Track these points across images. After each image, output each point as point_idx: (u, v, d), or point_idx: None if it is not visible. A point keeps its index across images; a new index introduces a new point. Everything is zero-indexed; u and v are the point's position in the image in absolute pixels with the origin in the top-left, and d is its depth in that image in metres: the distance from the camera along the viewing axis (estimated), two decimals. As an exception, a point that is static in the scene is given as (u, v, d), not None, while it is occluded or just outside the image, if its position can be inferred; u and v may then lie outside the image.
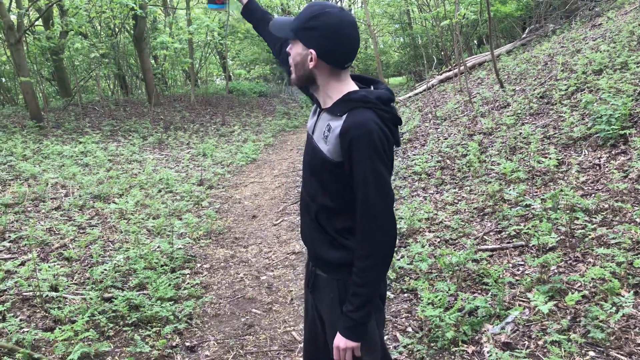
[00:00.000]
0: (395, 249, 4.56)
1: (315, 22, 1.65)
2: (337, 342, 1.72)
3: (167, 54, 17.62)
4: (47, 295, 3.90)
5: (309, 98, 1.97)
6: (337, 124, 1.67)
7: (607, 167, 4.84)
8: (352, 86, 1.74)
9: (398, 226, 4.98)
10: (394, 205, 1.67)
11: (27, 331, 3.41)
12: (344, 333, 1.70)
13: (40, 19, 14.94)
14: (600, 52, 8.02)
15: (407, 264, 4.15)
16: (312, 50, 1.67)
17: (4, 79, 18.03)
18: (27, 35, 14.14)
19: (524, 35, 15.16)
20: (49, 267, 4.28)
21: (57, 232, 5.43)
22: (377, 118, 1.63)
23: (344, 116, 1.65)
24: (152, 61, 18.85)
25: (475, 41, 22.05)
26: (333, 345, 1.75)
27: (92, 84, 20.03)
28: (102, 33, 17.19)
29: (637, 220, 3.83)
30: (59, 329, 3.33)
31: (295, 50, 1.73)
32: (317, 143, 1.74)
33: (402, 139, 9.05)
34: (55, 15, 16.07)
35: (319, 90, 1.78)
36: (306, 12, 1.67)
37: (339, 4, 32.45)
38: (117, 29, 17.19)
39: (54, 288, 4.07)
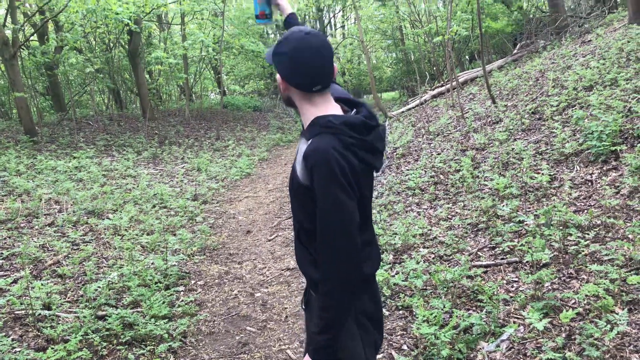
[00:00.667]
0: (385, 266, 4.57)
1: (280, 47, 1.71)
2: None
3: (161, 69, 17.68)
4: (39, 314, 3.87)
5: None
6: (304, 148, 1.70)
7: (599, 183, 4.89)
8: (328, 110, 1.75)
9: (392, 242, 5.00)
10: (356, 231, 1.67)
11: (19, 351, 3.38)
12: (311, 354, 1.70)
13: (35, 34, 14.97)
14: (590, 68, 8.13)
15: (402, 281, 4.15)
16: (277, 75, 1.75)
17: (-3, 94, 18.00)
18: (21, 50, 14.17)
19: (515, 51, 15.33)
20: (42, 284, 4.25)
21: (50, 249, 5.40)
22: (338, 144, 1.63)
23: (310, 141, 1.68)
24: (147, 76, 18.89)
25: (467, 57, 22.28)
26: None
27: (87, 98, 20.04)
28: (96, 48, 17.25)
29: (630, 236, 3.86)
30: (52, 348, 3.31)
31: (277, 76, 1.79)
32: (296, 165, 1.77)
33: (395, 153, 9.10)
34: (50, 30, 16.12)
35: (300, 114, 1.82)
36: (279, 39, 1.75)
37: (332, 20, 32.74)
38: (111, 44, 17.26)
39: (47, 306, 4.04)
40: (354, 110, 1.80)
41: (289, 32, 1.73)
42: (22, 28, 14.02)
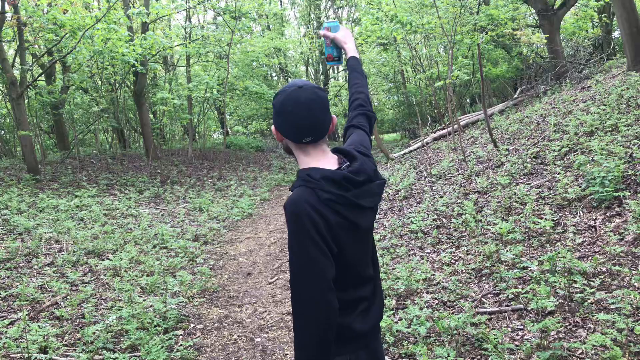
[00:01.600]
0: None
1: (274, 100, 1.79)
2: None
3: (166, 109, 17.92)
4: (35, 358, 3.79)
5: None
6: None
7: (602, 229, 4.87)
8: (320, 160, 1.77)
9: (395, 287, 4.94)
10: (326, 285, 1.62)
11: (14, 396, 3.30)
12: None
13: (42, 75, 15.24)
14: (591, 114, 8.22)
15: (405, 327, 4.08)
16: (272, 127, 1.83)
17: (2, 132, 18.20)
18: (28, 90, 14.39)
19: (516, 96, 15.55)
20: (39, 327, 4.19)
21: (49, 290, 5.34)
22: (313, 197, 1.64)
23: (292, 192, 1.71)
24: (151, 116, 19.13)
25: (468, 100, 22.59)
26: None
27: (90, 137, 20.23)
28: (102, 88, 17.53)
29: (636, 284, 3.82)
30: (47, 394, 3.22)
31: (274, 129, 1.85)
32: None
33: (397, 196, 9.10)
34: (57, 70, 16.42)
35: (297, 161, 1.86)
36: (275, 100, 1.80)
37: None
38: (117, 85, 17.55)
39: (44, 350, 3.97)
40: (347, 163, 1.80)
41: (286, 85, 1.79)
42: (30, 68, 14.29)
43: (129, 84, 18.19)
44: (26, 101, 14.10)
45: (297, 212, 1.61)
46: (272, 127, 1.83)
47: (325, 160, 1.77)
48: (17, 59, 13.79)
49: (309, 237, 1.60)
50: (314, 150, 1.78)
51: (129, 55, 12.44)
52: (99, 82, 17.56)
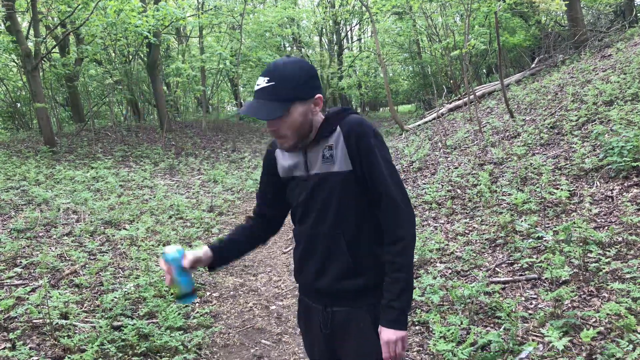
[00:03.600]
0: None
1: (297, 80, 1.68)
2: (387, 337, 1.70)
3: (179, 80, 17.89)
4: (57, 323, 3.89)
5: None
6: (334, 139, 1.74)
7: (619, 199, 4.81)
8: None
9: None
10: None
11: (37, 360, 3.40)
12: (391, 325, 1.69)
13: (56, 47, 15.26)
14: (611, 83, 8.04)
15: (419, 296, 4.11)
16: (318, 95, 1.73)
17: (19, 104, 18.36)
18: (43, 62, 14.44)
19: (533, 65, 15.25)
20: (59, 294, 4.29)
21: (68, 259, 5.45)
22: (363, 118, 1.76)
23: (337, 128, 1.74)
24: (165, 88, 19.12)
25: (485, 70, 22.21)
26: (382, 343, 1.71)
27: (105, 109, 20.33)
28: (116, 60, 17.52)
29: (652, 254, 3.78)
30: (69, 357, 3.32)
31: (294, 114, 1.69)
32: (325, 170, 1.76)
33: (411, 167, 9.06)
34: (71, 42, 16.42)
35: (312, 132, 1.79)
36: (298, 73, 1.68)
37: (349, 33, 32.88)
38: (131, 56, 17.53)
39: (64, 316, 4.06)
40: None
41: (276, 61, 1.73)
42: (44, 40, 14.31)
43: (142, 55, 18.15)
44: (41, 74, 14.15)
45: (369, 126, 1.73)
46: (317, 96, 1.72)
47: None
48: (31, 31, 13.79)
49: (384, 146, 1.76)
50: (320, 108, 1.82)
51: (142, 27, 12.39)
52: (113, 54, 17.54)
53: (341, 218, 1.77)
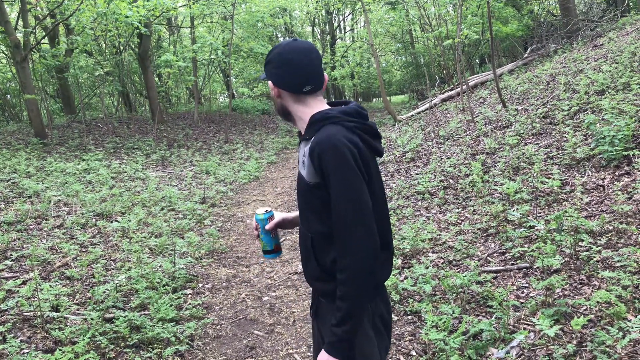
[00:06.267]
0: (396, 268, 4.54)
1: (269, 57, 1.77)
2: (320, 357, 1.68)
3: (171, 72, 17.76)
4: (48, 316, 3.87)
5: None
6: (308, 146, 1.68)
7: (611, 188, 4.83)
8: (321, 109, 1.75)
9: (401, 246, 4.96)
10: (372, 216, 1.62)
11: (28, 352, 3.38)
12: (327, 348, 1.66)
13: (46, 37, 15.10)
14: (602, 72, 8.06)
15: (411, 286, 4.12)
16: (269, 82, 1.79)
17: (9, 96, 18.18)
18: (32, 53, 14.28)
19: (526, 55, 15.26)
20: (50, 286, 4.26)
21: (59, 251, 5.41)
22: (343, 129, 1.64)
23: (313, 137, 1.67)
24: (156, 79, 18.98)
25: (477, 60, 22.20)
26: None
27: (96, 101, 20.17)
28: (106, 51, 17.36)
29: (642, 242, 3.80)
30: (60, 350, 3.30)
31: (271, 87, 1.81)
32: (300, 171, 1.76)
33: (404, 157, 9.06)
34: (61, 33, 16.25)
35: (296, 121, 1.81)
36: (276, 56, 1.76)
37: (341, 23, 32.76)
38: (121, 47, 17.37)
39: (55, 308, 4.05)
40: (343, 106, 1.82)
41: (276, 45, 1.80)
42: (34, 31, 14.14)
43: (133, 46, 17.99)
44: (30, 65, 14.00)
45: (333, 144, 1.59)
46: (270, 83, 1.78)
47: (322, 108, 1.77)
48: (20, 22, 13.63)
49: (349, 166, 1.59)
50: (314, 101, 1.76)
51: (133, 17, 12.26)
52: (103, 45, 17.39)
53: (308, 219, 1.76)
